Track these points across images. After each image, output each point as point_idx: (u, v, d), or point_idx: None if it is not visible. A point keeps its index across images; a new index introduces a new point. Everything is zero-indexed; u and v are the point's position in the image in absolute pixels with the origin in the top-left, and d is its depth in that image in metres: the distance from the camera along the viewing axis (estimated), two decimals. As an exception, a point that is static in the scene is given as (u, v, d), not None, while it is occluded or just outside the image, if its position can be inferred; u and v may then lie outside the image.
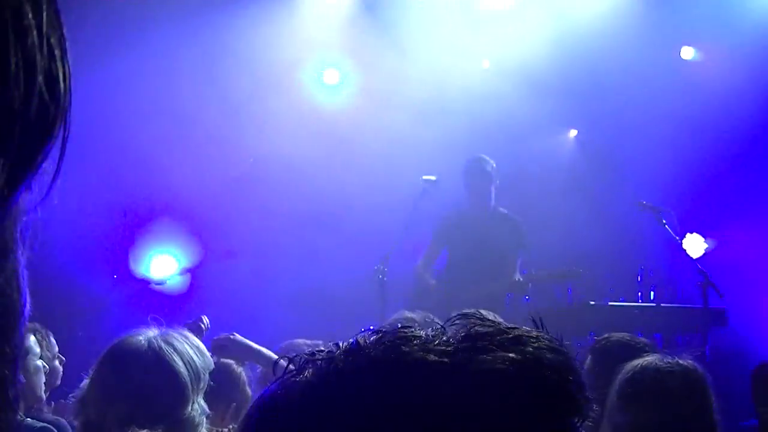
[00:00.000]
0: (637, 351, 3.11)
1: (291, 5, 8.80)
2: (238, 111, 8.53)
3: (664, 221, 6.56)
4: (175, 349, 2.27)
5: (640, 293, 8.37)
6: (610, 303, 7.87)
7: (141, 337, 2.29)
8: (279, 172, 8.67)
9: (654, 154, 8.94)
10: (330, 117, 8.87)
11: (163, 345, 2.28)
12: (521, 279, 6.15)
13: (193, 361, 2.28)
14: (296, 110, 8.72)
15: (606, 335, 3.59)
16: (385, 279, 5.79)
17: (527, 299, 8.41)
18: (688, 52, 9.64)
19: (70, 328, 6.82)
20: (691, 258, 7.26)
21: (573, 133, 10.44)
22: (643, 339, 3.80)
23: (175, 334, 2.37)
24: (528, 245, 6.30)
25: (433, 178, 6.25)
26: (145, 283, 8.38)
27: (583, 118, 9.84)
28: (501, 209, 6.34)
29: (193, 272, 8.67)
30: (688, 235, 8.51)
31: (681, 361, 2.51)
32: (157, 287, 8.38)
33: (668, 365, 2.47)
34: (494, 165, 6.27)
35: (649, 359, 2.54)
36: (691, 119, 8.88)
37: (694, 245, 8.54)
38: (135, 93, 8.03)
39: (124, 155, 8.09)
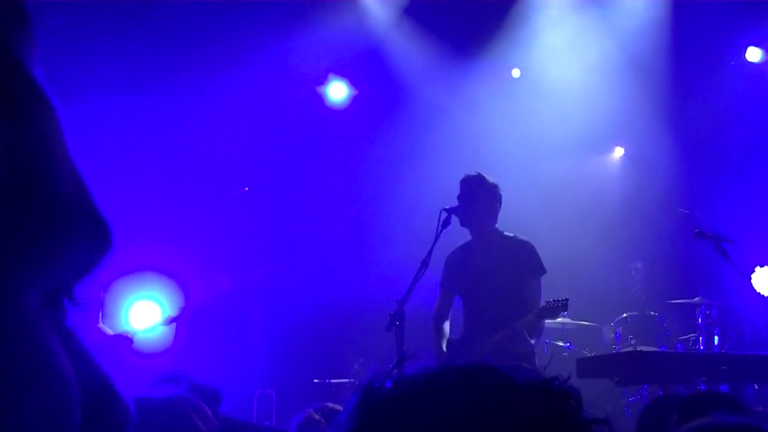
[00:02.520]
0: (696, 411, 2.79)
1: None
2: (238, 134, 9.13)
3: (726, 253, 6.39)
4: None
5: (701, 337, 8.32)
6: (666, 350, 7.89)
7: None
8: (286, 198, 9.37)
9: (716, 173, 9.41)
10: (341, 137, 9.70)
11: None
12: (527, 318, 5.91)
13: None
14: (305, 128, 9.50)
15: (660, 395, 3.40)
16: (399, 324, 5.55)
17: (569, 346, 8.80)
18: (754, 54, 9.92)
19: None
20: (761, 295, 7.27)
21: (619, 151, 10.75)
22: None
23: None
24: (543, 267, 6.07)
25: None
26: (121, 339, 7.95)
27: (631, 134, 10.22)
28: (506, 233, 6.22)
29: (180, 321, 8.54)
30: (757, 269, 8.51)
31: (749, 423, 2.20)
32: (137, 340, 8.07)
33: (736, 427, 2.22)
34: (496, 185, 6.18)
35: (714, 418, 2.27)
36: (763, 128, 9.22)
37: (764, 281, 8.48)
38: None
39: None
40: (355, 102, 10.21)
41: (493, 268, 6.11)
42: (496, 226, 6.18)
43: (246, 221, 9.47)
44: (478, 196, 6.08)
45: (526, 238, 6.20)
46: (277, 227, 9.62)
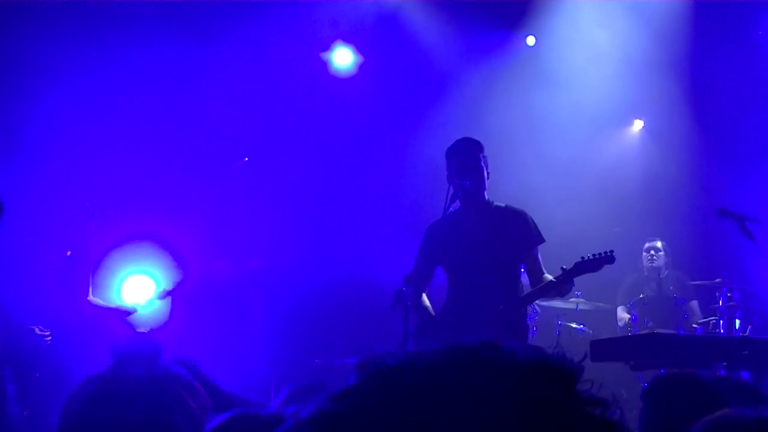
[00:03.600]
0: (706, 394, 2.86)
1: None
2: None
3: (751, 233, 6.35)
4: None
5: (722, 321, 8.34)
6: (684, 333, 7.97)
7: None
8: (287, 172, 9.34)
9: (740, 150, 9.49)
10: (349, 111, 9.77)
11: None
12: (554, 278, 5.77)
13: None
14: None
15: (662, 374, 3.38)
16: (405, 302, 5.45)
17: (583, 328, 8.96)
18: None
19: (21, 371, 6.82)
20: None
21: (639, 125, 10.81)
22: (713, 375, 3.59)
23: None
24: (541, 235, 5.96)
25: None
26: (114, 312, 8.02)
27: (651, 107, 10.25)
28: (497, 203, 6.07)
29: (176, 296, 8.72)
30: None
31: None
32: (129, 318, 8.12)
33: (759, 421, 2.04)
34: (484, 151, 6.00)
35: (730, 412, 2.12)
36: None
37: (790, 263, 8.55)
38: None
39: (87, 150, 8.52)
40: (361, 70, 10.21)
41: (488, 238, 5.98)
42: (486, 195, 6.06)
43: (246, 194, 9.48)
44: (481, 164, 5.94)
45: (520, 207, 6.12)
46: (278, 201, 9.63)
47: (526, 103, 10.13)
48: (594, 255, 5.61)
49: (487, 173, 5.91)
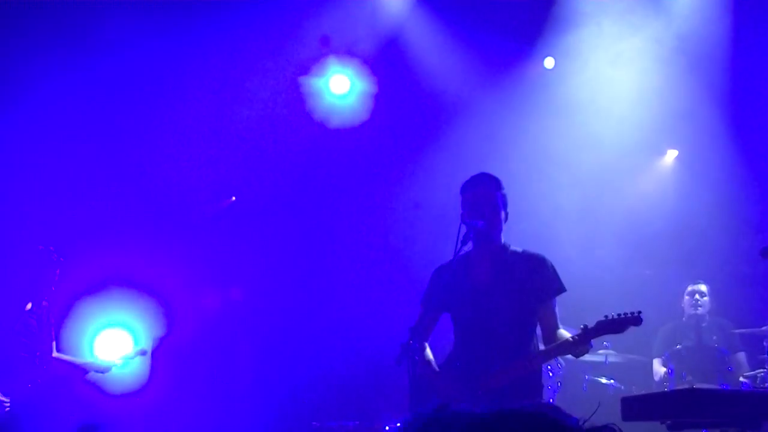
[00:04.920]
0: None
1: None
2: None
3: None
4: None
5: (771, 373, 8.33)
6: (728, 388, 7.74)
7: None
8: (281, 213, 9.35)
9: None
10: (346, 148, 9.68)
11: None
12: (571, 337, 5.61)
13: None
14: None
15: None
16: (412, 356, 5.34)
17: (613, 383, 8.73)
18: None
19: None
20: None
21: (672, 154, 10.68)
22: None
23: None
24: (561, 284, 5.84)
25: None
26: (83, 371, 7.64)
27: (686, 134, 10.08)
28: (513, 247, 5.96)
29: (157, 353, 8.59)
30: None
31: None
32: (102, 376, 7.77)
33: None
34: (503, 188, 5.91)
35: None
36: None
37: None
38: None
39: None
40: (361, 98, 10.04)
41: (503, 285, 5.87)
42: (503, 238, 5.94)
43: (236, 237, 9.42)
44: (498, 202, 5.83)
45: (538, 252, 5.97)
46: (271, 245, 9.55)
47: (543, 133, 10.01)
48: (619, 315, 5.46)
49: (505, 214, 5.85)
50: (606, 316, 5.44)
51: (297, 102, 9.68)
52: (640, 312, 5.40)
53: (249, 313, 9.37)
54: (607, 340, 8.75)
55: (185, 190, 9.24)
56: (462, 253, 5.65)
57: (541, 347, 5.78)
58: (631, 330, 5.47)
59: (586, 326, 5.43)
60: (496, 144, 9.82)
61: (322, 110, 9.85)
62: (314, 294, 9.58)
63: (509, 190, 5.85)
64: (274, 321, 9.40)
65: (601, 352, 8.96)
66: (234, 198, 9.06)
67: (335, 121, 9.79)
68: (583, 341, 5.47)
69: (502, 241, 5.90)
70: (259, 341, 9.37)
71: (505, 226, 5.87)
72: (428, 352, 5.94)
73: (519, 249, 5.91)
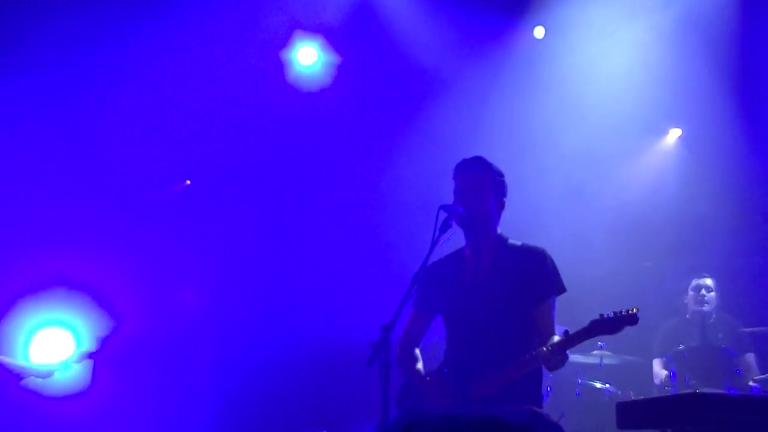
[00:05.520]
0: None
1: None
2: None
3: None
4: None
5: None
6: (736, 392, 7.53)
7: None
8: (242, 199, 9.23)
9: None
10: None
11: None
12: (557, 340, 5.40)
13: None
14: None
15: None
16: (385, 357, 5.22)
17: (609, 388, 8.60)
18: None
19: None
20: None
21: (675, 133, 10.47)
22: None
23: None
24: (562, 283, 5.69)
25: None
26: (19, 376, 7.32)
27: (691, 112, 9.84)
28: (511, 240, 5.82)
29: (101, 356, 7.99)
30: None
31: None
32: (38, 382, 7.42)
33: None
34: (503, 174, 5.81)
35: None
36: None
37: None
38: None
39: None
40: (331, 71, 9.68)
41: (497, 283, 5.73)
42: (499, 230, 5.80)
43: (192, 226, 9.25)
44: (486, 189, 5.69)
45: (538, 246, 5.83)
46: (228, 235, 9.34)
47: (532, 111, 9.78)
48: (615, 313, 5.31)
49: (498, 202, 5.75)
50: (601, 315, 5.29)
51: (264, 78, 9.42)
52: (636, 309, 5.24)
53: (204, 311, 9.17)
54: (602, 340, 8.46)
55: (135, 174, 9.04)
56: (456, 249, 5.67)
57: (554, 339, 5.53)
58: (629, 329, 5.29)
59: (567, 332, 5.27)
60: (479, 124, 9.64)
61: (290, 84, 9.58)
62: (276, 290, 9.37)
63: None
64: (231, 320, 9.23)
65: (595, 353, 8.71)
66: (188, 182, 8.89)
67: (303, 97, 9.55)
68: (557, 352, 5.31)
69: (499, 232, 5.78)
70: (215, 342, 9.16)
71: (501, 216, 5.77)
72: (418, 357, 5.91)
73: (518, 242, 5.79)
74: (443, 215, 5.37)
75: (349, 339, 7.89)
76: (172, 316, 8.99)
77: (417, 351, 5.92)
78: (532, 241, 5.83)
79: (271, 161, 9.61)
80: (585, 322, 5.29)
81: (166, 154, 9.14)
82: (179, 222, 9.15)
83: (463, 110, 9.74)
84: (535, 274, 5.70)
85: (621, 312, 5.22)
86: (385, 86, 9.80)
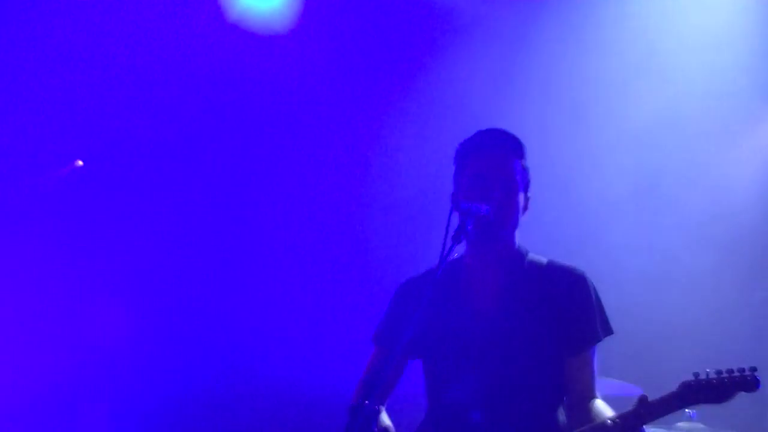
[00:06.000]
0: None
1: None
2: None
3: None
4: None
5: None
6: None
7: None
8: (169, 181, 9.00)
9: None
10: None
11: None
12: (616, 418, 4.42)
13: None
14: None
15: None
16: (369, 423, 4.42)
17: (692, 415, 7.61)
18: None
19: None
20: None
21: None
22: None
23: None
24: (608, 324, 4.82)
25: None
26: None
27: None
28: (533, 255, 4.97)
29: None
30: None
31: None
32: None
33: None
34: (525, 156, 4.91)
35: None
36: None
37: None
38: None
39: None
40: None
41: (515, 318, 4.82)
42: (518, 240, 4.95)
43: (91, 210, 8.81)
44: (516, 178, 4.81)
45: (575, 267, 4.94)
46: (162, 216, 8.93)
47: (586, 75, 8.79)
48: (719, 373, 4.37)
49: (527, 199, 4.94)
50: (696, 375, 4.36)
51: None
52: (754, 370, 4.29)
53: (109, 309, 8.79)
54: (693, 408, 7.18)
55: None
56: (448, 260, 4.51)
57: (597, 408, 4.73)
58: (741, 396, 4.30)
59: (644, 400, 4.31)
60: (509, 86, 8.66)
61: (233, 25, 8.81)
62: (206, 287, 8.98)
63: (535, 164, 4.94)
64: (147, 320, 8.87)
65: (681, 426, 7.46)
66: (80, 162, 8.48)
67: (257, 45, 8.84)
68: (632, 427, 4.39)
69: (517, 244, 4.93)
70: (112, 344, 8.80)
71: (523, 219, 4.89)
72: (384, 419, 4.92)
73: (543, 259, 4.98)
74: (457, 218, 4.45)
75: (319, 386, 7.85)
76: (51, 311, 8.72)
77: (383, 414, 4.89)
78: (587, 261, 5.00)
79: (219, 132, 9.18)
80: (666, 381, 4.41)
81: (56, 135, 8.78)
82: (73, 205, 8.76)
83: (486, 65, 8.76)
84: (573, 310, 4.81)
85: (732, 373, 4.29)
86: (372, 27, 9.05)
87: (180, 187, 9.37)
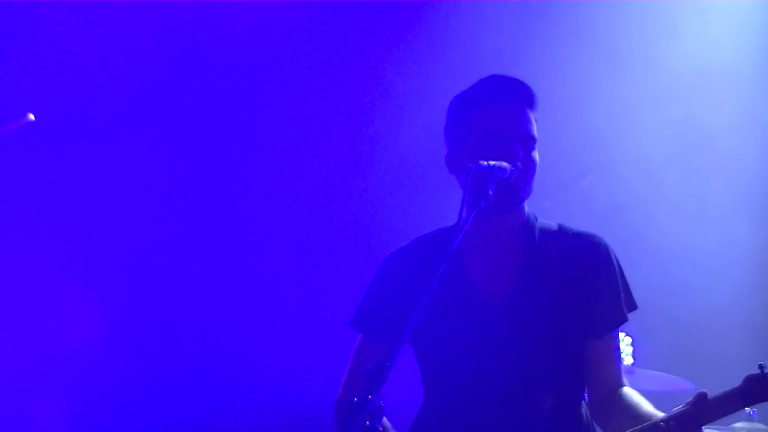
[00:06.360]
0: None
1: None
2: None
3: None
4: None
5: None
6: None
7: None
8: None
9: None
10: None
11: None
12: (665, 418, 3.89)
13: None
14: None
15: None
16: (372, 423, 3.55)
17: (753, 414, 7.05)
18: None
19: None
20: None
21: None
22: None
23: None
24: (631, 299, 4.35)
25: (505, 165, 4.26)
26: None
27: None
28: (545, 222, 4.50)
29: None
30: None
31: None
32: None
33: None
34: (536, 102, 4.38)
35: None
36: None
37: None
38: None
39: None
40: None
41: (524, 298, 4.32)
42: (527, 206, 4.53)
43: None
44: (533, 130, 4.35)
45: (594, 233, 4.49)
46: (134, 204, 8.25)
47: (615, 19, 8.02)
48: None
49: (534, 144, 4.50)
50: (763, 368, 3.76)
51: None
52: None
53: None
54: (754, 406, 5.96)
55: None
56: (438, 230, 4.48)
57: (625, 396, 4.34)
58: None
59: (702, 397, 3.76)
60: (528, 27, 7.94)
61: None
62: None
63: (549, 119, 4.50)
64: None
65: (739, 426, 6.73)
66: (32, 116, 7.19)
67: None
68: (691, 426, 3.91)
69: (527, 210, 4.49)
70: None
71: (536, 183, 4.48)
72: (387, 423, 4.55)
73: (553, 225, 4.57)
74: (480, 178, 4.00)
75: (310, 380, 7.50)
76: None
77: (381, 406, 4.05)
78: (608, 234, 4.50)
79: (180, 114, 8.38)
80: (718, 373, 4.83)
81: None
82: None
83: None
84: (594, 286, 4.42)
85: None
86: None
87: (172, 176, 8.65)
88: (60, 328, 8.30)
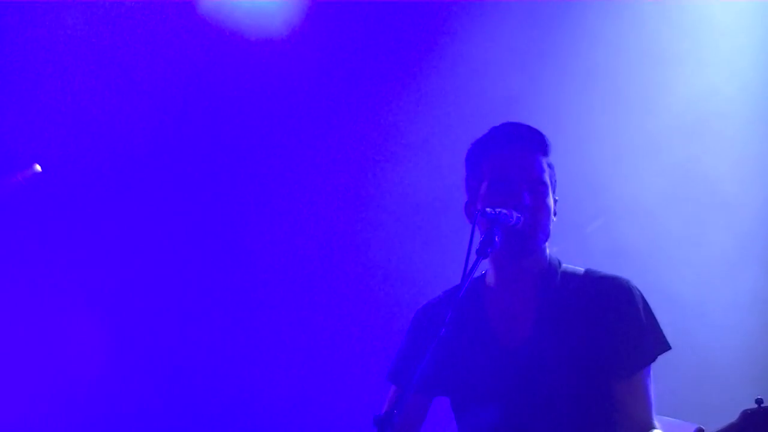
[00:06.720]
0: None
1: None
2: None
3: None
4: None
5: None
6: None
7: None
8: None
9: None
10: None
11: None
12: None
13: None
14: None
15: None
16: None
17: None
18: None
19: None
20: None
21: None
22: None
23: None
24: (662, 339, 4.42)
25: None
26: None
27: None
28: (569, 266, 4.59)
29: None
30: None
31: None
32: None
33: None
34: (550, 153, 4.54)
35: None
36: None
37: None
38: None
39: None
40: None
41: (555, 341, 4.42)
42: (548, 250, 4.60)
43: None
44: (545, 179, 4.49)
45: (619, 275, 4.59)
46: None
47: (615, 65, 8.07)
48: None
49: (555, 201, 4.55)
50: (760, 402, 3.78)
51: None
52: None
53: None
54: None
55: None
56: (469, 280, 4.13)
57: None
58: None
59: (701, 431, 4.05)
60: (532, 76, 7.96)
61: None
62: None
63: (558, 160, 4.62)
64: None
65: None
66: (39, 167, 7.95)
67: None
68: None
69: (549, 255, 4.58)
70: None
71: (553, 227, 4.55)
72: None
73: (579, 270, 4.64)
74: (485, 225, 4.22)
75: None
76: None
77: None
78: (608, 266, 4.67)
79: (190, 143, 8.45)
80: (725, 410, 3.94)
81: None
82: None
83: (507, 51, 7.99)
84: (619, 326, 4.48)
85: None
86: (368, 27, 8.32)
87: (176, 183, 8.79)
88: (60, 328, 8.35)
